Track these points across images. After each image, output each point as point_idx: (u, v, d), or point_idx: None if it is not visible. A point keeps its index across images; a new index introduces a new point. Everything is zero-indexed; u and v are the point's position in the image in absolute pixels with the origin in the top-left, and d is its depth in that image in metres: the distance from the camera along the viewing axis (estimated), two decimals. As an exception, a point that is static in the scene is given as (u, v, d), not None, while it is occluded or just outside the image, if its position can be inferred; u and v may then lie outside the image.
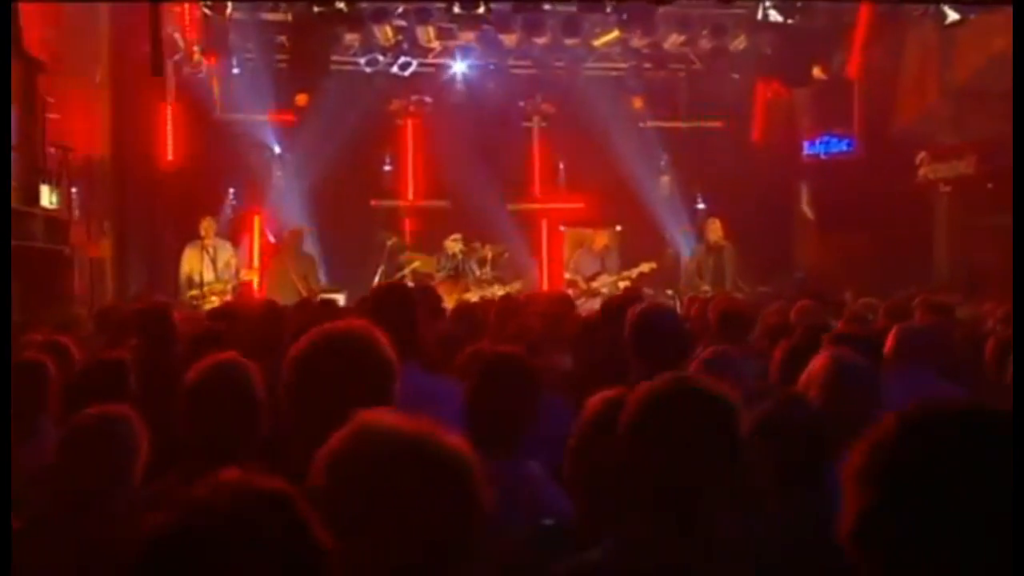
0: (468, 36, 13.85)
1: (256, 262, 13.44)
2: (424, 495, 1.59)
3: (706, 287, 12.17)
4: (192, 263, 12.15)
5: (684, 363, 3.66)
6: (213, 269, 12.13)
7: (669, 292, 12.47)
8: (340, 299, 11.08)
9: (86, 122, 11.63)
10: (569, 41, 13.70)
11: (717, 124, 14.97)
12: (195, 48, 13.11)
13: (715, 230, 12.51)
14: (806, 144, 14.90)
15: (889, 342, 4.26)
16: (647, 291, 11.20)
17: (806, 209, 15.05)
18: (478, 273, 12.77)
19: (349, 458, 1.65)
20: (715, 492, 1.97)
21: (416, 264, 13.28)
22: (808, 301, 6.72)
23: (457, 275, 12.62)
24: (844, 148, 14.72)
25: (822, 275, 13.35)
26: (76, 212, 11.24)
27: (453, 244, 12.76)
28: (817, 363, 3.24)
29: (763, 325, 5.95)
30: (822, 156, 14.81)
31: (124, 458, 3.03)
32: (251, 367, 2.88)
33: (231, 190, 14.23)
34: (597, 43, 14.04)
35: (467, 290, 12.49)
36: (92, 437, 3.04)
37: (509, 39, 13.68)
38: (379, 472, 1.61)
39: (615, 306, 5.05)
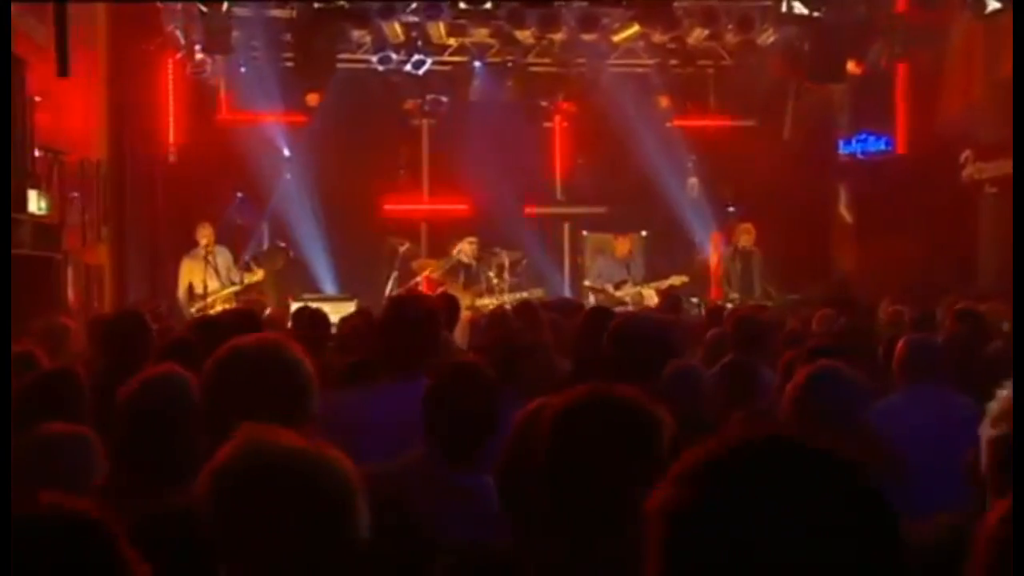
0: (483, 33, 13.41)
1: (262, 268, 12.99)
2: (293, 517, 1.56)
3: (734, 295, 11.84)
4: (192, 274, 11.80)
5: (659, 374, 3.59)
6: (217, 277, 11.82)
7: (694, 300, 12.07)
8: (350, 308, 10.74)
9: (81, 123, 11.25)
10: (586, 37, 13.30)
11: (748, 122, 14.48)
12: (196, 47, 12.75)
13: (745, 235, 12.21)
14: (841, 143, 14.35)
15: (896, 356, 4.14)
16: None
17: (844, 212, 14.51)
18: (494, 280, 12.39)
19: (223, 473, 1.64)
20: (633, 511, 1.57)
21: (430, 271, 12.90)
22: (830, 310, 6.50)
23: (469, 281, 12.24)
24: (882, 147, 14.15)
25: (861, 281, 12.93)
26: (72, 217, 10.86)
27: (468, 247, 12.39)
28: (797, 377, 3.25)
29: (783, 334, 5.89)
30: (859, 155, 14.28)
31: (70, 480, 2.80)
32: (186, 379, 2.79)
33: (238, 194, 13.86)
34: (617, 39, 13.64)
35: (480, 297, 12.09)
36: (37, 456, 2.95)
37: (524, 35, 13.23)
38: (248, 489, 1.60)
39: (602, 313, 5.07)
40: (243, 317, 5.38)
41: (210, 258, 11.82)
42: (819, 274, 13.33)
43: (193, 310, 11.36)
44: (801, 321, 6.61)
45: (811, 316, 6.67)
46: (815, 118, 14.27)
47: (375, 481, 1.80)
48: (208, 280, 11.71)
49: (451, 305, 6.54)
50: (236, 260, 12.39)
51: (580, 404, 1.94)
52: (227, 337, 4.30)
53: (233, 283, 11.97)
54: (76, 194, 10.75)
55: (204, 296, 11.56)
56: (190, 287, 11.73)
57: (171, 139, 13.02)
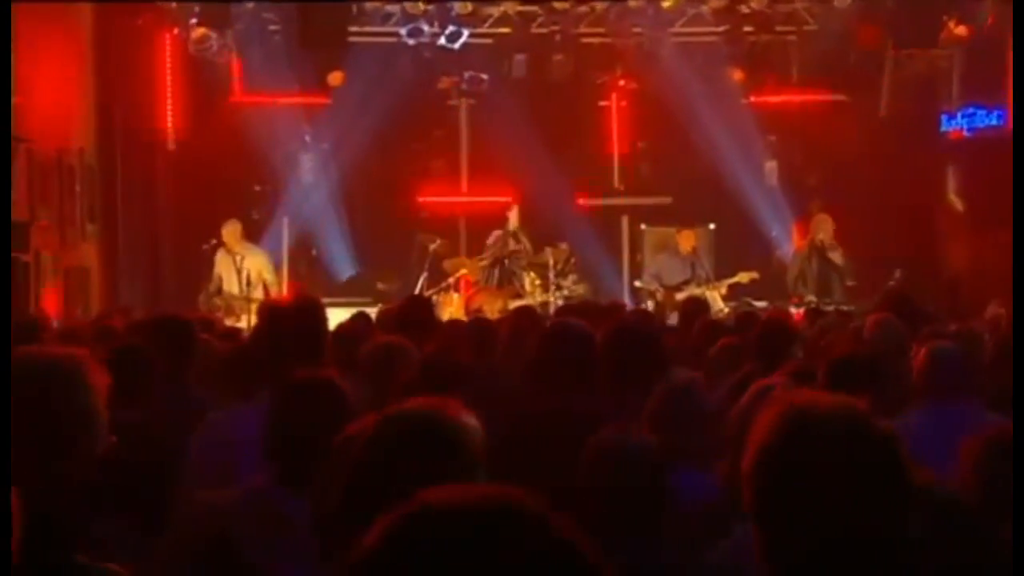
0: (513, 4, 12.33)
1: (286, 268, 12.13)
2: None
3: (811, 297, 10.89)
4: (222, 268, 11.05)
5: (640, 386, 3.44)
6: (238, 280, 10.93)
7: (761, 304, 10.94)
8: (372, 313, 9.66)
9: (58, 107, 10.20)
10: (633, 3, 12.11)
11: (837, 97, 13.21)
12: (192, 21, 11.75)
13: (823, 227, 11.19)
14: (944, 118, 12.71)
15: (916, 371, 3.88)
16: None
17: (953, 199, 12.92)
18: (536, 281, 11.38)
19: None
20: None
21: (464, 271, 11.87)
22: (886, 315, 5.76)
23: (504, 281, 11.28)
24: (993, 122, 12.44)
25: (972, 281, 11.56)
26: (47, 213, 9.87)
27: (511, 238, 11.53)
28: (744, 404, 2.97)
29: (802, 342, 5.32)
30: (965, 132, 12.61)
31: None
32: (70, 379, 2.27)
33: (256, 187, 13.02)
34: (666, 4, 12.39)
35: (516, 299, 11.00)
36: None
37: (563, 4, 12.13)
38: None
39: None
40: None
41: (236, 259, 10.96)
42: (923, 273, 11.94)
43: (212, 304, 10.65)
44: (853, 328, 6.06)
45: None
46: (919, 91, 12.84)
47: (206, 512, 2.25)
48: (228, 281, 10.89)
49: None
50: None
51: (382, 424, 2.01)
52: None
53: (266, 292, 10.95)
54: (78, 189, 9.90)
55: (220, 295, 10.89)
56: (220, 286, 10.96)
57: (169, 124, 11.94)
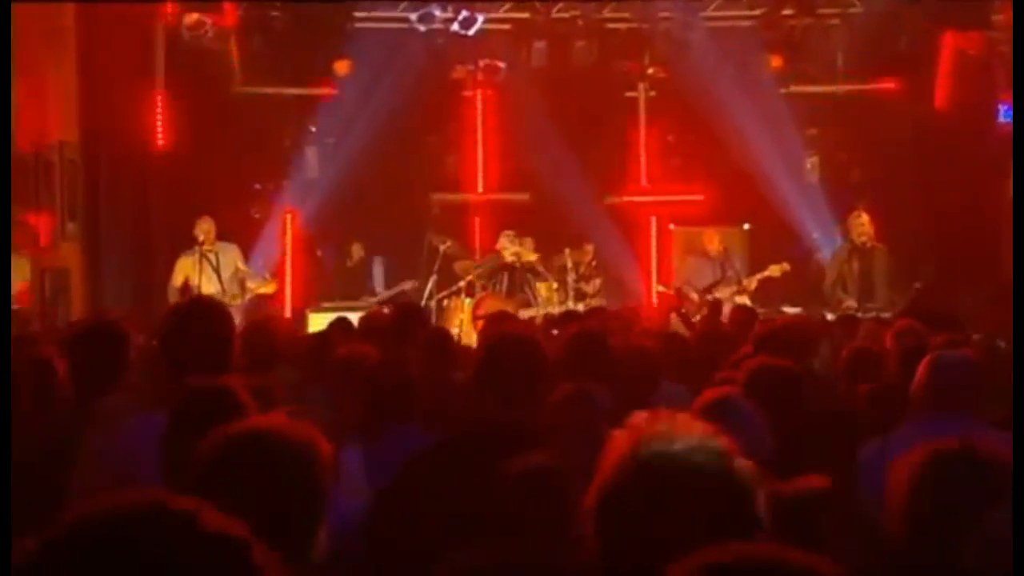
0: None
1: (288, 271, 11.75)
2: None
3: (850, 302, 10.37)
4: (187, 273, 10.45)
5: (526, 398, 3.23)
6: (218, 280, 10.35)
7: (796, 310, 10.37)
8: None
9: (34, 98, 9.59)
10: None
11: (887, 85, 12.48)
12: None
13: (860, 227, 10.62)
14: (1001, 108, 11.82)
15: (915, 381, 3.63)
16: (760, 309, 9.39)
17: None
18: (553, 286, 10.86)
19: None
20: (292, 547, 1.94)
21: (475, 274, 11.27)
22: (910, 321, 5.56)
23: (512, 288, 10.70)
24: (1057, 114, 11.58)
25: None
26: (22, 212, 9.31)
27: (507, 242, 10.89)
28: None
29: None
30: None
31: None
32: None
33: (256, 185, 12.44)
34: None
35: (526, 307, 10.44)
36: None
37: None
38: None
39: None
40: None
41: (210, 257, 10.38)
42: (977, 279, 11.12)
43: None
44: (869, 337, 5.83)
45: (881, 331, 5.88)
46: (976, 78, 11.97)
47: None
48: (204, 282, 10.28)
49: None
50: (248, 259, 11.08)
51: (226, 438, 2.03)
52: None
53: (243, 289, 10.61)
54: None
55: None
56: (184, 287, 10.36)
57: (160, 117, 11.33)
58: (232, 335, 3.26)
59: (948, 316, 6.81)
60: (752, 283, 11.05)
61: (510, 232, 10.99)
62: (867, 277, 10.47)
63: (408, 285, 11.15)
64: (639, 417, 1.57)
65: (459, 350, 5.39)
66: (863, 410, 4.07)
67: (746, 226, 12.59)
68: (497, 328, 4.70)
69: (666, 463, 1.47)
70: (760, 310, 9.99)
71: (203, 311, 3.30)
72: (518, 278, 10.77)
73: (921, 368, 3.62)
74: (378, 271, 11.70)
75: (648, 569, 1.37)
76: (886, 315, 8.96)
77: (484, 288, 10.77)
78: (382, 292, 11.44)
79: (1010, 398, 3.66)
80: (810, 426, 3.47)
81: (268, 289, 10.85)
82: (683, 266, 11.98)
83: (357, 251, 11.68)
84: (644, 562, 1.41)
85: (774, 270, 11.09)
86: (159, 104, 11.31)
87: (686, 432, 1.51)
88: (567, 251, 11.15)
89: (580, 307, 10.25)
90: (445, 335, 5.17)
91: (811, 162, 12.60)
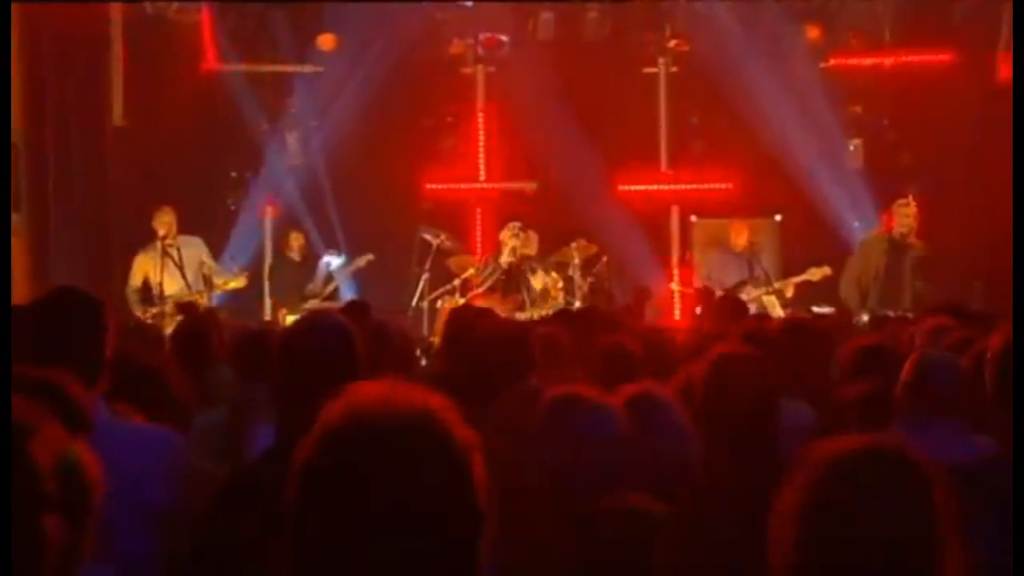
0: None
1: (268, 267, 11.27)
2: None
3: (862, 314, 9.47)
4: (147, 272, 9.89)
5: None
6: (181, 276, 9.78)
7: (826, 310, 9.83)
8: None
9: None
10: None
11: (940, 58, 11.74)
12: None
13: (907, 217, 9.89)
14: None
15: (901, 380, 3.54)
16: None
17: None
18: (559, 284, 10.14)
19: None
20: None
21: (472, 272, 10.51)
22: (943, 318, 5.45)
23: (509, 288, 10.04)
24: None
25: None
26: None
27: (509, 236, 10.22)
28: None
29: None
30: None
31: None
32: None
33: (232, 172, 11.80)
34: None
35: (520, 308, 9.81)
36: None
37: None
38: None
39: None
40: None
41: (171, 252, 9.78)
42: None
43: (148, 317, 9.53)
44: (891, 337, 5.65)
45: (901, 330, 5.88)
46: None
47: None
48: (167, 279, 9.75)
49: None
50: (221, 254, 10.71)
51: None
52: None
53: (209, 285, 10.01)
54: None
55: (161, 299, 9.72)
56: (144, 287, 9.87)
57: (118, 97, 10.64)
58: (64, 327, 2.98)
59: (984, 314, 6.51)
60: (788, 288, 10.32)
61: (515, 224, 10.28)
62: (896, 277, 9.69)
63: (363, 261, 10.56)
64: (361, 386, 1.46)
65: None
66: (856, 412, 3.90)
67: (777, 218, 11.95)
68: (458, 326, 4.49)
69: (356, 433, 1.38)
70: (787, 310, 9.60)
71: (40, 306, 3.09)
72: (515, 276, 10.04)
73: (905, 368, 3.59)
74: (331, 264, 10.95)
75: (356, 545, 1.34)
76: (910, 315, 8.23)
77: (482, 287, 10.08)
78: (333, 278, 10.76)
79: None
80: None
81: (237, 283, 10.21)
82: (705, 261, 11.25)
83: (296, 240, 10.82)
84: (345, 538, 1.34)
85: (814, 274, 10.25)
86: (116, 81, 10.62)
87: (399, 400, 1.41)
88: (574, 244, 10.44)
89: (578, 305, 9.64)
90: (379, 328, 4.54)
91: (853, 145, 11.96)
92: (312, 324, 2.89)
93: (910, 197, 10.18)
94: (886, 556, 1.68)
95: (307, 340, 2.78)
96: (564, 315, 6.93)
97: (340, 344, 2.75)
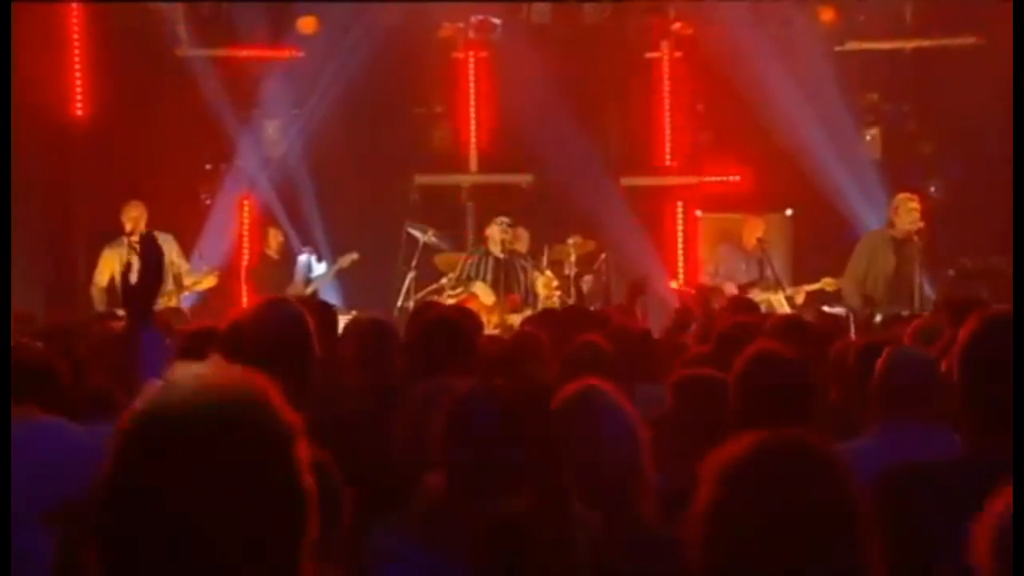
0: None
1: (245, 264, 11.05)
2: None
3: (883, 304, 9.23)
4: (114, 270, 9.53)
5: None
6: None
7: (838, 310, 9.50)
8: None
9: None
10: None
11: (965, 40, 11.46)
12: None
13: (911, 213, 9.47)
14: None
15: (874, 378, 3.56)
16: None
17: None
18: (553, 283, 9.84)
19: None
20: None
21: (458, 268, 10.18)
22: (935, 316, 5.57)
23: (504, 282, 9.67)
24: None
25: None
26: None
27: (497, 231, 9.90)
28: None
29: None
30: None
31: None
32: None
33: (206, 165, 11.38)
34: None
35: (516, 310, 9.54)
36: None
37: None
38: None
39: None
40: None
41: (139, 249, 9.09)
42: None
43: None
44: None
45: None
46: None
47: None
48: (134, 278, 9.05)
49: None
50: (194, 252, 10.34)
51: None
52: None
53: (179, 285, 9.81)
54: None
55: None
56: (111, 286, 9.54)
57: (79, 83, 10.22)
58: None
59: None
60: (800, 295, 10.05)
61: (503, 219, 9.97)
62: (905, 274, 9.35)
63: (346, 261, 10.25)
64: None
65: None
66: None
67: (788, 212, 11.66)
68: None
69: (161, 415, 1.35)
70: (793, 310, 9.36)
71: None
72: (510, 273, 9.69)
73: (878, 367, 3.62)
74: (313, 271, 10.70)
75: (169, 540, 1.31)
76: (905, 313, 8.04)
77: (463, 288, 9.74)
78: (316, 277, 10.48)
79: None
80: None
81: (208, 283, 9.96)
82: (712, 258, 10.88)
83: (275, 238, 10.54)
84: (154, 528, 1.32)
85: (828, 284, 9.94)
86: (77, 67, 10.22)
87: (211, 381, 1.38)
88: (570, 241, 10.12)
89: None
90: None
91: (870, 134, 11.68)
92: (258, 308, 3.05)
93: (909, 195, 9.82)
94: (790, 551, 1.70)
95: (254, 324, 2.86)
96: (549, 314, 6.80)
97: (289, 328, 2.85)
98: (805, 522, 1.69)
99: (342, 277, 10.67)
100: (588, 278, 9.88)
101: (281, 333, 2.86)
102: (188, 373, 1.35)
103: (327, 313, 4.68)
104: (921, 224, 9.44)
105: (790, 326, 5.01)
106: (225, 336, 2.95)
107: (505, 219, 9.86)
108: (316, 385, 3.15)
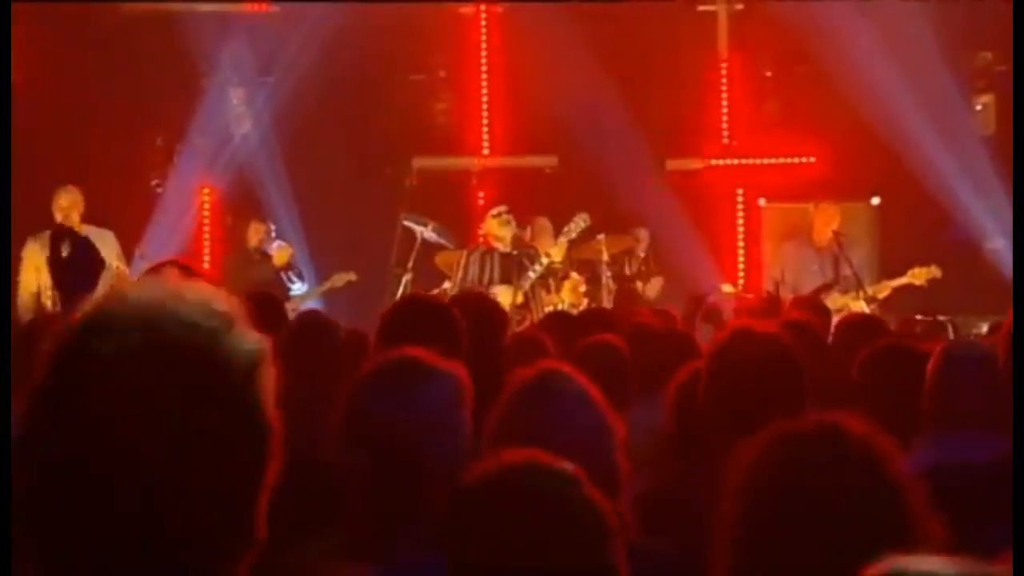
0: None
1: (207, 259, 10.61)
2: None
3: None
4: (38, 270, 8.88)
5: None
6: None
7: (939, 318, 8.77)
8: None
9: None
10: None
11: None
12: None
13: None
14: None
15: (926, 385, 3.42)
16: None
17: None
18: (576, 286, 9.18)
19: None
20: None
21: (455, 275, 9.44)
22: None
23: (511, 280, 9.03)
24: None
25: None
26: None
27: (495, 224, 9.20)
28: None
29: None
30: None
31: None
32: None
33: (158, 140, 10.69)
34: None
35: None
36: None
37: None
38: None
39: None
40: None
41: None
42: None
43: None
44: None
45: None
46: None
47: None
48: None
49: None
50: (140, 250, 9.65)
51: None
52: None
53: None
54: None
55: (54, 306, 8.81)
56: (33, 292, 8.97)
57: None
58: None
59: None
60: (883, 290, 9.30)
61: (500, 209, 9.17)
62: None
63: (340, 281, 9.64)
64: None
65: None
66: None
67: (875, 201, 10.93)
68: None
69: (98, 330, 1.27)
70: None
71: None
72: (514, 268, 8.89)
73: (929, 372, 3.53)
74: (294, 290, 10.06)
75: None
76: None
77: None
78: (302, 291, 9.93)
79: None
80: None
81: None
82: (776, 259, 10.06)
83: (257, 234, 9.85)
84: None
85: (916, 275, 9.23)
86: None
87: (160, 297, 1.31)
88: (601, 237, 9.39)
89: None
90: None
91: (982, 103, 10.87)
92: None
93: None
94: (824, 533, 1.76)
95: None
96: (558, 316, 6.62)
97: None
98: (843, 516, 1.75)
99: (321, 277, 9.87)
100: (657, 280, 9.35)
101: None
102: (139, 286, 1.28)
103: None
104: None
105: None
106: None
107: (502, 208, 9.00)
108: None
